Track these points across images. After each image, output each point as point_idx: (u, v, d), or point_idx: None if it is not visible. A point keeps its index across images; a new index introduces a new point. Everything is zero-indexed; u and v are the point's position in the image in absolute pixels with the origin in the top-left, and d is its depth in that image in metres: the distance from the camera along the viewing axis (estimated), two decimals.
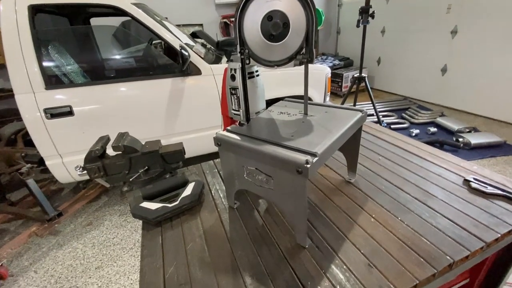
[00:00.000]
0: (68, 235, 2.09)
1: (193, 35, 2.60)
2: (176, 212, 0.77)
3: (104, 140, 0.88)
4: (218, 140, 0.68)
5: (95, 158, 0.84)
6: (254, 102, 0.78)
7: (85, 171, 0.86)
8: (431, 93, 3.99)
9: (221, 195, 0.86)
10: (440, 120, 3.27)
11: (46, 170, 2.08)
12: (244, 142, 0.62)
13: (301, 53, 0.66)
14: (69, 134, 1.86)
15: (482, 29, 3.18)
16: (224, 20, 4.55)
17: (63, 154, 1.91)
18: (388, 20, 4.34)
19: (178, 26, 2.85)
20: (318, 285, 0.54)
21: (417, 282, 0.53)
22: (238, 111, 0.80)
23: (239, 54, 0.66)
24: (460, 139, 2.77)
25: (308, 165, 0.51)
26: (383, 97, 4.55)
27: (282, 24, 0.61)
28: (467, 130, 3.01)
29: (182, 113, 2.07)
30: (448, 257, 0.58)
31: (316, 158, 0.53)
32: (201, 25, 4.55)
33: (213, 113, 2.15)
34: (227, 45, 1.01)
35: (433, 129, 3.09)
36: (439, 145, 2.81)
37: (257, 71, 0.78)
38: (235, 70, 0.75)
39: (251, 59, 0.68)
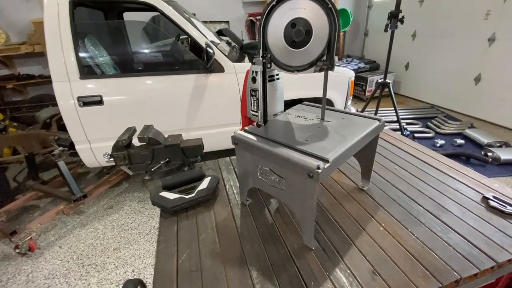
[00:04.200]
0: (91, 216, 2.24)
1: (219, 33, 2.66)
2: (192, 203, 0.82)
3: (131, 131, 0.94)
4: (235, 139, 0.71)
5: (122, 147, 0.91)
6: (273, 104, 0.81)
7: (112, 158, 0.93)
8: (461, 103, 3.80)
9: (235, 191, 0.90)
10: (468, 132, 3.11)
11: (75, 154, 2.24)
12: (259, 143, 0.65)
13: (322, 59, 0.67)
14: (98, 122, 1.98)
15: None
16: (250, 18, 4.58)
17: (92, 140, 2.04)
18: (420, 23, 4.16)
19: (205, 22, 2.93)
20: (321, 286, 0.56)
21: None
22: (257, 112, 0.83)
23: (261, 58, 0.69)
24: (489, 154, 2.63)
25: (319, 170, 0.53)
26: (408, 104, 4.39)
27: (305, 31, 0.63)
28: (498, 144, 2.85)
29: (203, 109, 2.14)
30: (455, 273, 0.58)
31: (327, 164, 0.55)
32: (227, 22, 4.61)
33: (233, 110, 2.20)
34: (251, 48, 1.04)
35: (460, 141, 2.95)
36: (465, 158, 2.68)
37: (277, 74, 0.80)
38: (256, 73, 0.77)
39: (272, 63, 0.70)
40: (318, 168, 0.53)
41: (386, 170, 0.97)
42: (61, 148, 2.14)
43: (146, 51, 2.53)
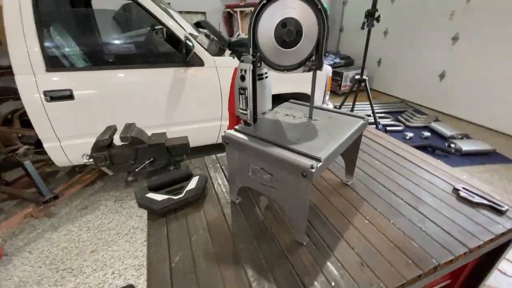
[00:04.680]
0: (63, 218, 2.11)
1: (197, 25, 2.58)
2: (180, 204, 0.80)
3: (112, 130, 0.90)
4: (226, 139, 0.71)
5: (103, 147, 0.86)
6: (262, 103, 0.81)
7: (92, 159, 0.88)
8: (428, 98, 4.06)
9: (224, 190, 0.90)
10: (434, 125, 3.35)
11: (42, 152, 2.09)
12: (252, 143, 0.65)
13: (311, 59, 0.68)
14: (69, 118, 1.85)
15: (483, 38, 3.24)
16: (228, 10, 4.49)
17: (62, 137, 1.91)
18: (392, 21, 4.34)
19: (180, 12, 2.81)
20: (315, 281, 0.59)
21: (405, 281, 0.58)
22: (246, 110, 0.82)
23: (251, 57, 0.69)
24: (452, 145, 2.85)
25: (313, 170, 0.55)
26: (380, 99, 4.61)
27: (296, 31, 0.63)
28: (460, 136, 3.10)
29: (183, 104, 2.08)
30: (434, 260, 0.63)
31: (320, 163, 0.57)
32: (204, 13, 4.48)
33: (213, 105, 2.17)
34: (239, 46, 1.03)
35: (426, 134, 3.17)
36: (431, 149, 2.89)
37: (266, 72, 0.80)
38: (245, 71, 0.77)
39: (262, 62, 0.70)
40: (312, 167, 0.55)
41: (367, 164, 1.02)
42: (26, 147, 1.98)
43: (120, 42, 2.39)
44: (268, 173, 0.66)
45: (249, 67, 0.76)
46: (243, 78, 0.78)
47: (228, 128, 1.12)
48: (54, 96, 1.76)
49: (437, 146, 2.87)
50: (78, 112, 1.86)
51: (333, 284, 0.58)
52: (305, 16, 0.63)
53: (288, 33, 0.63)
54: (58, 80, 1.77)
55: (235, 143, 0.69)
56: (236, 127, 0.74)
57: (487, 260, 0.86)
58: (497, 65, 3.15)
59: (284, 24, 0.63)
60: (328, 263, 0.63)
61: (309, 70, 0.70)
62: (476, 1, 3.23)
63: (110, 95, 1.89)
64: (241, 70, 0.77)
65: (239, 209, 0.81)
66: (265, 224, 0.75)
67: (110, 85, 1.89)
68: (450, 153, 2.83)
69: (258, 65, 0.70)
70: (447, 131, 3.15)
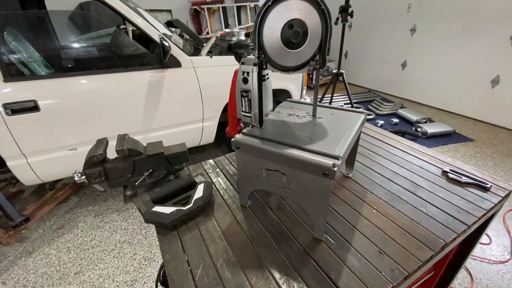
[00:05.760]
0: (37, 241, 1.93)
1: (168, 24, 2.47)
2: (190, 214, 0.78)
3: (104, 143, 0.83)
4: (237, 144, 0.69)
5: (97, 163, 0.80)
6: (265, 104, 0.80)
7: (84, 177, 0.82)
8: (392, 86, 4.34)
9: (231, 194, 0.88)
10: (401, 111, 3.59)
11: (4, 171, 1.88)
12: (267, 146, 0.65)
13: (315, 59, 0.69)
14: (35, 131, 1.69)
15: (437, 29, 3.52)
16: (195, 7, 4.36)
17: (28, 154, 1.73)
18: (355, 15, 4.53)
19: (145, 11, 2.68)
20: (341, 275, 0.61)
21: (421, 263, 0.63)
22: (249, 113, 0.82)
23: (257, 59, 0.68)
24: (419, 129, 3.09)
25: (335, 169, 0.56)
26: (349, 89, 4.82)
27: (302, 32, 0.64)
28: (424, 120, 3.36)
29: (161, 108, 2.00)
30: (441, 240, 0.69)
31: (339, 161, 0.58)
32: (169, 11, 4.31)
33: (194, 107, 2.11)
34: (239, 47, 1.01)
35: (395, 120, 3.39)
36: (401, 134, 3.10)
37: (267, 74, 0.79)
38: (248, 73, 0.76)
39: (268, 64, 0.70)
40: (334, 166, 0.56)
41: (363, 156, 1.07)
42: None
43: (85, 45, 2.21)
44: (285, 175, 0.66)
45: (252, 69, 0.75)
46: (245, 80, 0.77)
47: (227, 131, 1.10)
48: (16, 108, 1.59)
49: (406, 131, 3.09)
50: (45, 124, 1.69)
51: (358, 274, 0.61)
52: (310, 17, 0.63)
53: (295, 34, 0.63)
54: (19, 91, 1.60)
55: (247, 147, 0.68)
56: (244, 130, 0.73)
57: (474, 233, 0.95)
58: (451, 53, 3.46)
59: (290, 25, 0.63)
60: (349, 256, 0.65)
61: (313, 70, 0.71)
62: None
63: (81, 104, 1.75)
64: (243, 72, 0.76)
65: (251, 213, 0.80)
66: (280, 225, 0.75)
67: (79, 93, 1.75)
68: (418, 137, 3.06)
69: (264, 67, 0.69)
70: (413, 117, 3.40)
